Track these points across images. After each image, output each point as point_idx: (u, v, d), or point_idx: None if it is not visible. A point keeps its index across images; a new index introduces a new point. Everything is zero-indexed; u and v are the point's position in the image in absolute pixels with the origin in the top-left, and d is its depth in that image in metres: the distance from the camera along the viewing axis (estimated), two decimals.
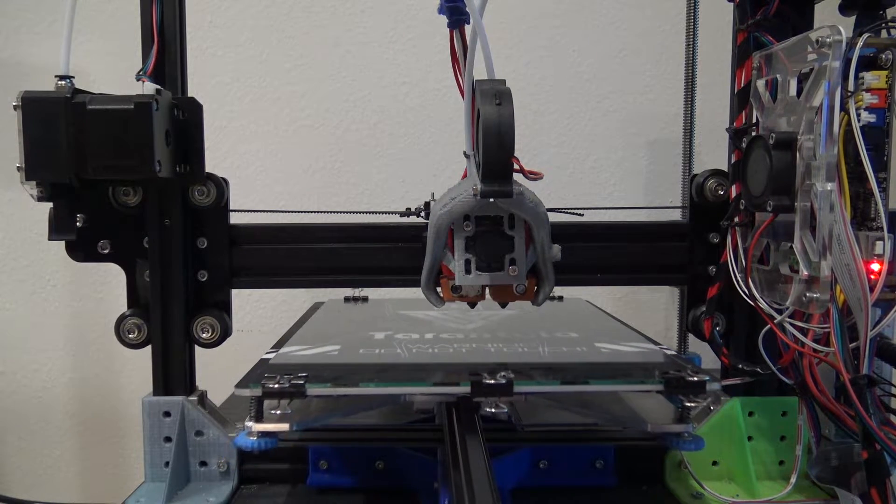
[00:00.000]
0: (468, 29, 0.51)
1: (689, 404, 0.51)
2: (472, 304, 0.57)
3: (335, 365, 0.57)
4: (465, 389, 0.50)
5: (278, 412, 0.52)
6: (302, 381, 0.50)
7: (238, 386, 0.51)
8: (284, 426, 0.52)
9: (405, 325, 0.72)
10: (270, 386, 0.50)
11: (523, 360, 0.58)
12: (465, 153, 0.52)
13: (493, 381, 0.50)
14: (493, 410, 0.50)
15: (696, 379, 0.50)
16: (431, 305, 0.81)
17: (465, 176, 0.54)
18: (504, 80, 0.50)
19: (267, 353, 0.60)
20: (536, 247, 0.55)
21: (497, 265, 0.54)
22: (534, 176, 0.51)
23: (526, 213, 0.53)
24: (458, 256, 0.54)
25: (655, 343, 0.64)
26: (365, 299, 0.91)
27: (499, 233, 0.54)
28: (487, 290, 0.56)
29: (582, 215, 0.66)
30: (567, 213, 0.66)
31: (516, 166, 0.49)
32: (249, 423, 0.52)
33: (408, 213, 0.64)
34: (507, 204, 0.51)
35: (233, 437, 0.62)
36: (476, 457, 0.48)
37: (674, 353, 0.60)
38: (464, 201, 0.52)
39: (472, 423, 0.54)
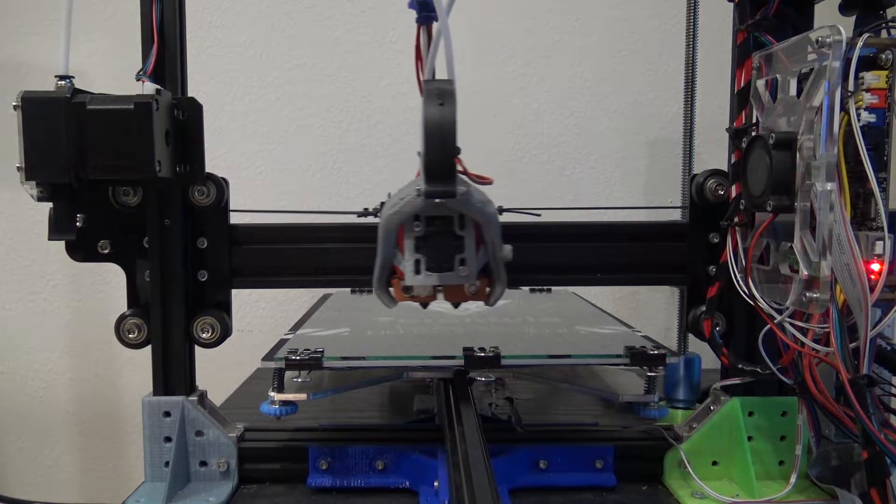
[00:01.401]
0: (435, 26, 0.51)
1: (650, 374, 0.62)
2: (425, 305, 0.58)
3: (346, 343, 0.66)
4: (459, 362, 0.59)
5: (299, 380, 0.61)
6: (319, 355, 0.58)
7: (264, 359, 0.59)
8: (302, 395, 0.61)
9: (407, 312, 0.78)
10: (292, 358, 0.58)
11: (511, 338, 0.67)
12: (418, 153, 0.52)
13: (483, 355, 0.58)
14: (484, 379, 0.61)
15: (656, 352, 0.60)
16: None
17: (418, 175, 0.54)
18: (452, 81, 0.49)
19: (286, 334, 0.68)
20: (487, 247, 0.55)
21: (447, 265, 0.54)
22: (481, 180, 0.51)
23: (474, 213, 0.53)
24: (408, 257, 0.54)
25: (628, 326, 0.72)
26: (370, 291, 0.97)
27: (449, 233, 0.54)
28: (442, 291, 0.56)
29: (539, 216, 0.66)
30: (524, 213, 0.66)
31: (463, 167, 0.49)
32: (272, 393, 0.60)
33: (365, 213, 0.64)
34: (455, 204, 0.51)
35: (233, 437, 0.62)
36: (476, 457, 0.49)
37: (643, 334, 0.69)
38: (412, 202, 0.52)
39: (465, 393, 0.60)
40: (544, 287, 0.97)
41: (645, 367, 0.62)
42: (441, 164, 0.48)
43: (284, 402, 0.61)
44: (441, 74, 0.50)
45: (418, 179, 0.52)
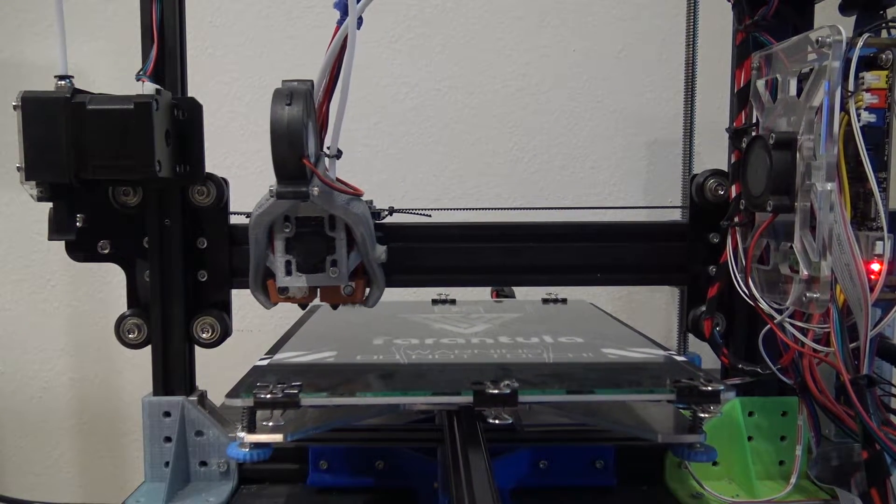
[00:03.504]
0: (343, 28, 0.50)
1: (702, 415, 0.50)
2: (303, 306, 0.58)
3: (331, 372, 0.56)
4: (467, 399, 0.48)
5: (271, 423, 0.51)
6: (296, 391, 0.48)
7: (229, 396, 0.49)
8: (278, 437, 0.50)
9: (404, 330, 0.70)
10: (262, 396, 0.48)
11: (527, 367, 0.56)
12: None
13: (496, 391, 0.47)
14: (497, 422, 0.47)
15: (709, 388, 0.48)
16: (432, 309, 0.80)
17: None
18: (311, 82, 0.50)
19: (261, 359, 0.58)
20: (359, 247, 0.54)
21: (319, 266, 0.54)
22: (348, 189, 0.51)
23: (338, 213, 0.53)
24: (279, 258, 0.54)
25: (664, 348, 0.62)
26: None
27: (318, 234, 0.54)
28: (318, 292, 0.56)
29: (430, 216, 0.66)
30: (414, 213, 0.66)
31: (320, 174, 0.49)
32: (241, 434, 0.50)
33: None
34: (318, 203, 0.51)
35: (233, 438, 0.62)
36: (476, 459, 0.48)
37: (684, 359, 0.58)
38: (276, 202, 0.52)
39: (474, 433, 0.53)
40: (558, 297, 0.88)
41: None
42: (289, 164, 0.48)
43: (257, 445, 0.50)
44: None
45: None
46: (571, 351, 0.61)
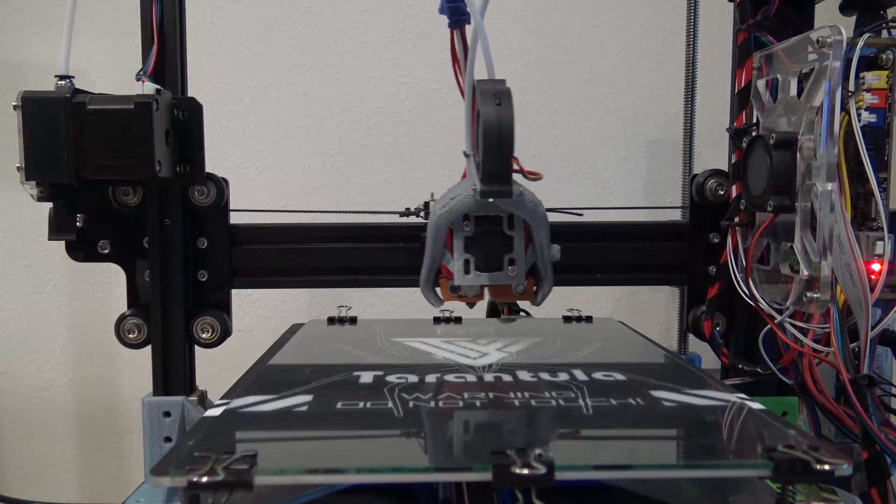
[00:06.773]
0: (468, 29, 0.51)
1: None
2: (471, 305, 0.58)
3: (303, 430, 0.44)
4: (483, 476, 0.36)
5: None
6: (247, 466, 0.34)
7: (155, 473, 0.34)
8: None
9: (400, 361, 0.58)
10: (198, 479, 0.33)
11: (560, 420, 0.43)
12: (464, 153, 0.52)
13: (525, 472, 0.35)
14: None
15: (825, 467, 0.33)
16: (432, 332, 0.70)
17: (464, 175, 0.54)
18: (504, 81, 0.50)
19: (217, 403, 0.45)
20: (536, 247, 0.55)
21: (496, 265, 0.54)
22: (533, 176, 0.51)
23: (525, 214, 0.53)
24: (458, 257, 0.54)
25: (729, 389, 0.48)
26: (353, 321, 0.72)
27: (498, 233, 0.54)
28: (487, 290, 0.56)
29: (581, 215, 0.66)
30: (567, 212, 0.66)
31: (515, 166, 0.50)
32: None
33: (407, 213, 0.65)
34: (507, 204, 0.52)
35: None
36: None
37: (761, 406, 0.43)
38: (463, 201, 0.52)
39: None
40: (582, 315, 0.73)
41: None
42: (499, 165, 0.48)
43: None
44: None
45: (467, 180, 0.53)
46: (613, 394, 0.47)
